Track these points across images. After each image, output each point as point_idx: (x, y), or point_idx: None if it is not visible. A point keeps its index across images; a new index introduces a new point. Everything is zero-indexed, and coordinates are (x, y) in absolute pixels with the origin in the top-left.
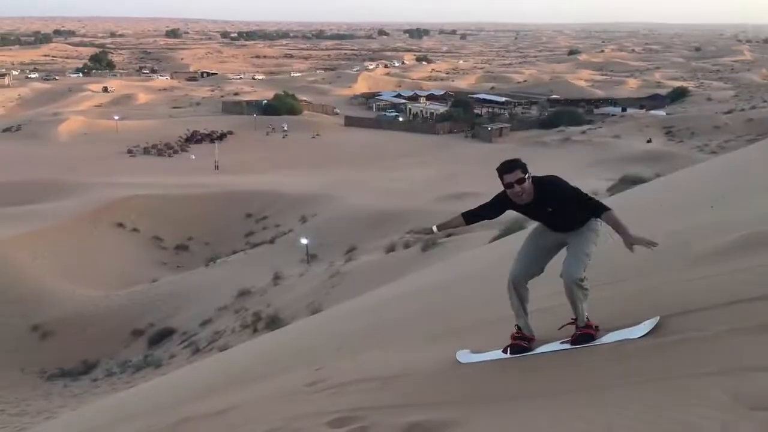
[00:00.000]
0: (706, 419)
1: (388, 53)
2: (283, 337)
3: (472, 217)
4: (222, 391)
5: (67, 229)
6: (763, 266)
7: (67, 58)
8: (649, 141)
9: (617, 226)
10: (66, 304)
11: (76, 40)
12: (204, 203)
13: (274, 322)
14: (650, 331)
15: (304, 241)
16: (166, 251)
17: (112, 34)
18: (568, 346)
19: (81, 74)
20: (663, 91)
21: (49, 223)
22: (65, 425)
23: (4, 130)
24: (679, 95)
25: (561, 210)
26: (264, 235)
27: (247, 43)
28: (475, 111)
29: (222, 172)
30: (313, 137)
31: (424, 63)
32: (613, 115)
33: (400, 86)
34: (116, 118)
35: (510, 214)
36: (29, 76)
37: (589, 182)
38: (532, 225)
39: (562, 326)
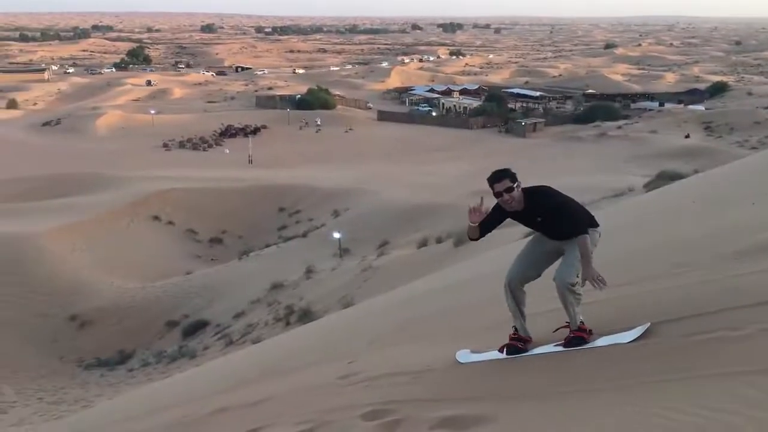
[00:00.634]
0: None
1: (422, 47)
2: (315, 330)
3: (482, 229)
4: (255, 383)
5: (105, 221)
6: None
7: (104, 53)
8: (687, 136)
9: (583, 255)
10: (103, 295)
11: (114, 35)
12: (238, 197)
13: (307, 316)
14: (641, 335)
15: (336, 235)
16: (201, 244)
17: (149, 29)
18: (561, 348)
19: (113, 69)
20: (702, 86)
21: (87, 216)
22: (102, 414)
23: (44, 124)
24: (718, 90)
25: (549, 220)
26: (297, 229)
27: (281, 37)
28: (509, 106)
29: (255, 166)
30: (346, 132)
31: (457, 57)
32: (650, 110)
33: (433, 81)
34: (152, 112)
35: None
36: (68, 71)
37: (626, 178)
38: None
39: (557, 329)
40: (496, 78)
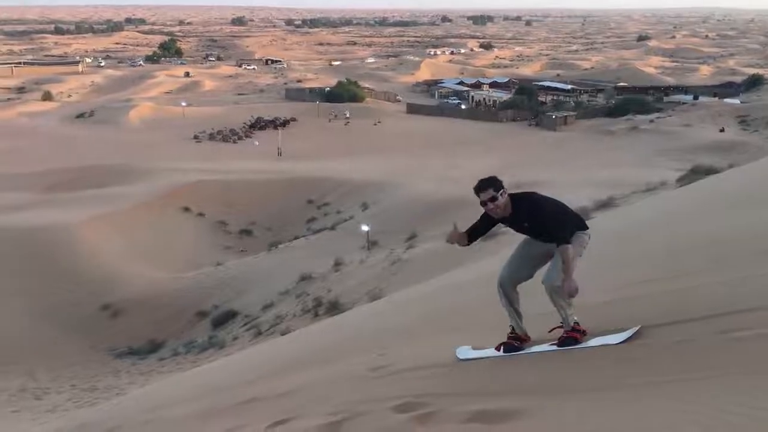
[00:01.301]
0: None
1: (452, 40)
2: (344, 322)
3: (471, 236)
4: (284, 374)
5: (137, 212)
6: None
7: (137, 45)
8: (722, 130)
9: (565, 263)
10: (135, 285)
11: (146, 28)
12: (267, 189)
13: (335, 308)
14: (630, 337)
15: (364, 227)
16: (230, 236)
17: (181, 22)
18: (555, 348)
19: (142, 62)
20: (737, 79)
21: (120, 207)
22: (134, 401)
23: (78, 116)
24: (754, 83)
25: (536, 226)
26: (325, 222)
27: (311, 30)
28: (540, 99)
29: (285, 158)
30: (375, 124)
31: (487, 50)
32: (684, 103)
33: (462, 73)
34: (184, 104)
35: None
36: (100, 64)
37: (658, 172)
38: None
39: (552, 329)
40: (526, 71)
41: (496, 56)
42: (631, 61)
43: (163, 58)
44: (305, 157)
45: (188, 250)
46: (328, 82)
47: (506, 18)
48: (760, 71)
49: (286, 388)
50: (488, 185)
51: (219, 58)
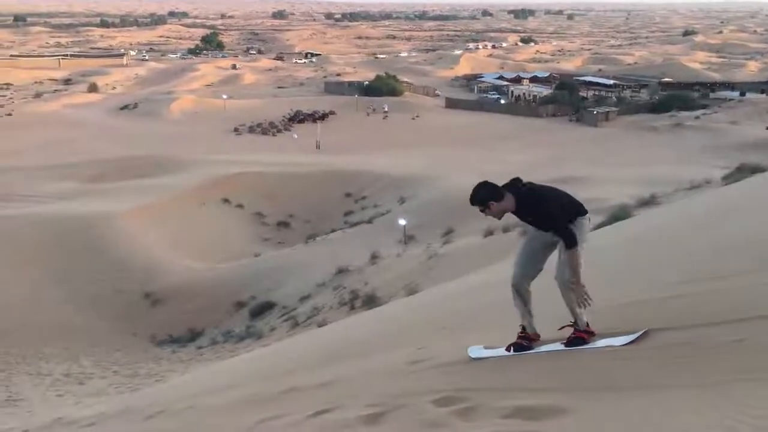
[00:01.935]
0: None
1: (492, 34)
2: (382, 315)
3: None
4: (323, 365)
5: (178, 203)
6: None
7: (180, 39)
8: None
9: (572, 268)
10: (175, 274)
11: (189, 21)
12: (305, 182)
13: (372, 301)
14: (635, 339)
15: (402, 221)
16: (268, 227)
17: (222, 16)
18: (563, 347)
19: (180, 56)
20: None
21: (161, 198)
22: (175, 388)
23: (122, 108)
24: None
25: (538, 219)
26: (362, 215)
27: (350, 24)
28: (581, 94)
29: (323, 151)
30: (414, 118)
31: (528, 44)
32: (730, 99)
33: (502, 68)
34: (224, 97)
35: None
36: (144, 57)
37: (702, 170)
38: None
39: (562, 327)
40: (568, 65)
41: (537, 51)
42: (676, 56)
43: (204, 51)
44: (343, 150)
45: (227, 241)
46: (367, 75)
47: (548, 12)
48: None
49: (326, 379)
50: (473, 202)
51: (260, 52)
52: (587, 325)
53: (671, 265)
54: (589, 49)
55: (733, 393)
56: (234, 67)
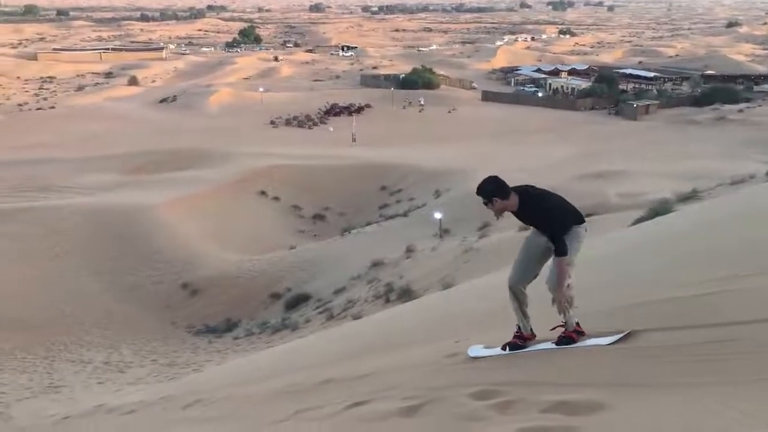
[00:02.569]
0: None
1: (530, 26)
2: (418, 308)
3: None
4: (359, 358)
5: (215, 195)
6: None
7: (218, 32)
8: None
9: (558, 275)
10: (212, 265)
11: (227, 15)
12: (341, 175)
13: (407, 294)
14: (618, 339)
15: (437, 215)
16: (304, 220)
17: (260, 9)
18: (554, 346)
19: (224, 48)
20: None
21: (199, 190)
22: (213, 377)
23: (161, 101)
24: None
25: (536, 221)
26: (398, 208)
27: (386, 16)
28: (621, 87)
29: (359, 144)
30: (450, 112)
31: (567, 36)
32: None
33: (540, 60)
34: (261, 90)
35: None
36: (184, 52)
37: (745, 164)
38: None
39: (554, 327)
40: (607, 58)
41: (576, 43)
42: (719, 48)
43: (242, 45)
44: (379, 143)
45: (263, 232)
46: (403, 68)
47: (587, 3)
48: None
49: (363, 371)
50: (479, 193)
51: (296, 45)
52: (577, 325)
53: (711, 262)
54: (629, 41)
55: (764, 393)
56: (276, 59)
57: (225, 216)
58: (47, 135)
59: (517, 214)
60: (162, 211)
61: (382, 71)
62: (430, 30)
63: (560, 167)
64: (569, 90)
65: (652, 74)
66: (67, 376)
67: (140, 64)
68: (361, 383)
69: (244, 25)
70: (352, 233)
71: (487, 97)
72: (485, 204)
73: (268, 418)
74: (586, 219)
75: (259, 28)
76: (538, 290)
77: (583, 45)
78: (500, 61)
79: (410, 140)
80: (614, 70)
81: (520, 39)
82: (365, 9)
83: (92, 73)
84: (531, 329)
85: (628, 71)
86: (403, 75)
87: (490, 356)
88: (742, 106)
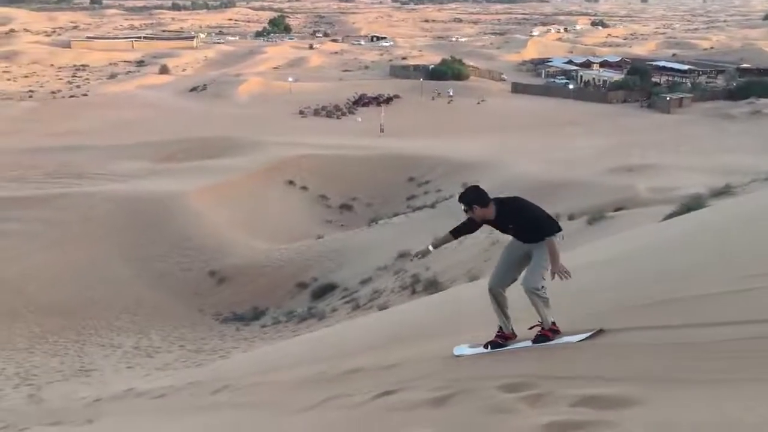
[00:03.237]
0: None
1: (561, 17)
2: (446, 300)
3: (457, 233)
4: (386, 348)
5: (243, 184)
6: None
7: (248, 21)
8: None
9: (551, 253)
10: (240, 253)
11: (257, 4)
12: (368, 165)
13: (433, 286)
14: (588, 337)
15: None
16: (331, 210)
17: None
18: (530, 344)
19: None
20: None
21: (228, 178)
22: (240, 364)
23: (192, 90)
24: None
25: (520, 228)
26: (425, 200)
27: (416, 7)
28: (653, 79)
29: (387, 135)
30: (479, 103)
31: (599, 28)
32: None
33: (571, 52)
34: (290, 79)
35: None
36: (216, 41)
37: None
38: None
39: (532, 327)
40: (640, 50)
41: (608, 34)
42: (756, 41)
43: (272, 34)
44: (407, 134)
45: (290, 222)
46: (433, 59)
47: None
48: None
49: (391, 361)
50: (462, 200)
51: (326, 35)
52: (553, 324)
53: (744, 258)
54: (663, 33)
55: None
56: (311, 47)
57: (253, 205)
58: (80, 122)
59: (493, 223)
60: (192, 199)
61: (412, 62)
62: (460, 21)
63: (590, 160)
64: (601, 82)
65: (686, 67)
66: (97, 359)
67: (171, 52)
68: (389, 373)
69: (274, 14)
70: (379, 224)
71: (517, 88)
72: (465, 211)
73: (296, 405)
74: (615, 213)
75: (289, 17)
76: (519, 293)
77: (616, 37)
78: (530, 52)
79: (439, 131)
80: (647, 63)
81: (552, 30)
82: None
83: (124, 61)
84: (512, 329)
85: (662, 64)
86: (433, 66)
87: (473, 354)
88: None
